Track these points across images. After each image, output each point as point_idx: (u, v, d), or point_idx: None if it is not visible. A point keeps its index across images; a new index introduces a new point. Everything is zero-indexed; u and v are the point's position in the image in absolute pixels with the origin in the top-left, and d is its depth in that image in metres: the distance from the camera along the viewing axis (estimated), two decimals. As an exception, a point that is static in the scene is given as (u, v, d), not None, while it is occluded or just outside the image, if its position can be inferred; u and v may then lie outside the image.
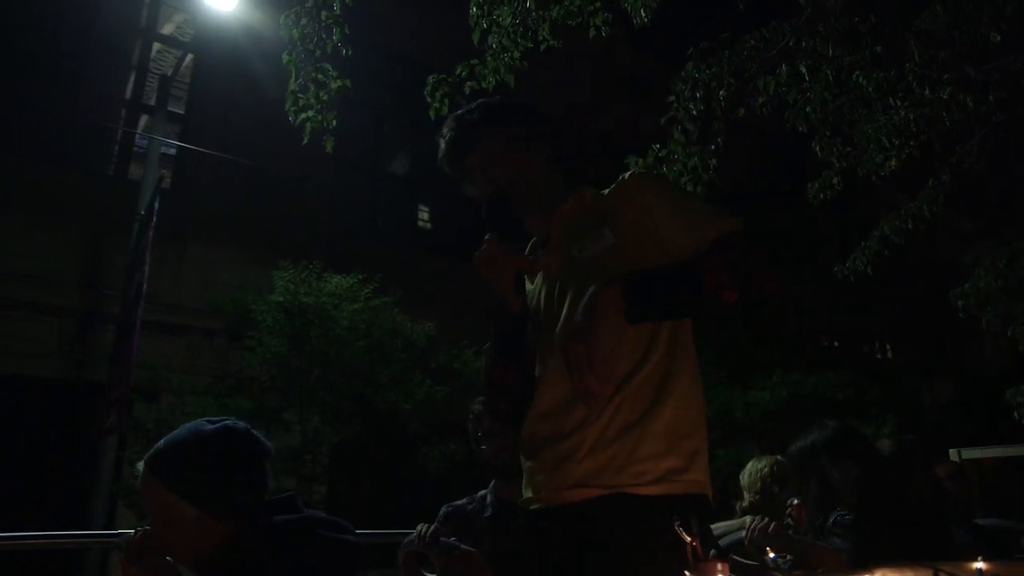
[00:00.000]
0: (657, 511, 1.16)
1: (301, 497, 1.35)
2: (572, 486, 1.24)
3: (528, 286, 1.46)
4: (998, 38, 3.46)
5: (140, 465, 1.26)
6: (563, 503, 1.26)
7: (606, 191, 1.41)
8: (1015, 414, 5.66)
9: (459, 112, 1.49)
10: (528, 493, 1.35)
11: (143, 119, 7.49)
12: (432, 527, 1.93)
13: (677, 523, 0.89)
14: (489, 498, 2.21)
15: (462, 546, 1.83)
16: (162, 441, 1.26)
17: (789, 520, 2.29)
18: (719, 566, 0.82)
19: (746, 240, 1.22)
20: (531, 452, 1.36)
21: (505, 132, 1.43)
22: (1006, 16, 3.41)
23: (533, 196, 1.41)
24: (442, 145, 1.48)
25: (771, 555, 1.02)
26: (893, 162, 4.09)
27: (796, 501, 2.20)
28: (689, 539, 0.87)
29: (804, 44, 3.65)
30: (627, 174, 1.40)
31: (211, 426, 1.26)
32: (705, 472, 1.27)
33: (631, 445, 1.22)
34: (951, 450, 4.86)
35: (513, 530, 2.07)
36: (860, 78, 3.72)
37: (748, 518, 1.99)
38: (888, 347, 13.11)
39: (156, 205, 5.41)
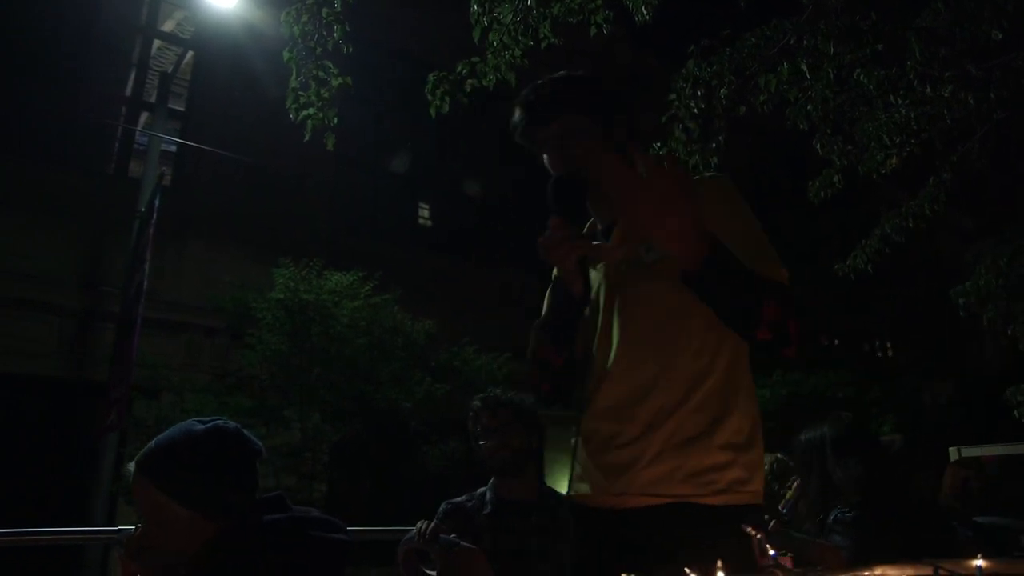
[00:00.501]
0: (721, 521, 1.18)
1: (299, 494, 1.35)
2: (636, 493, 1.25)
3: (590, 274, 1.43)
4: (999, 36, 3.45)
5: (131, 465, 1.25)
6: (624, 508, 1.26)
7: None
8: (1015, 413, 5.65)
9: (541, 81, 1.40)
10: (584, 489, 1.36)
11: (143, 116, 7.48)
12: (432, 524, 1.93)
13: (746, 526, 0.90)
14: (489, 495, 2.21)
15: (462, 543, 1.83)
16: (153, 441, 1.26)
17: (786, 491, 2.29)
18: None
19: (788, 295, 1.18)
20: (591, 450, 1.35)
21: (585, 113, 1.36)
22: (1007, 14, 3.40)
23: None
24: (517, 112, 1.39)
25: (771, 552, 1.02)
26: (894, 160, 4.08)
27: (797, 481, 2.20)
28: (758, 535, 0.88)
29: (805, 42, 3.64)
30: (706, 177, 1.37)
31: (202, 426, 1.26)
32: (762, 483, 1.29)
33: (698, 456, 1.23)
34: (951, 448, 4.86)
35: (527, 524, 2.07)
36: (861, 76, 3.72)
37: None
38: (888, 346, 13.10)
39: (156, 203, 5.41)
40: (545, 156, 1.37)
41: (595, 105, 1.37)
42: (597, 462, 1.32)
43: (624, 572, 1.15)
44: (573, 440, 1.44)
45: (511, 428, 2.18)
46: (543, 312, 1.44)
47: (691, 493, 1.22)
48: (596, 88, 1.41)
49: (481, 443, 2.22)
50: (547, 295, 1.46)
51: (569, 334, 1.35)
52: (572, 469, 1.43)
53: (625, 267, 1.33)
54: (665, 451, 1.24)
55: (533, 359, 1.39)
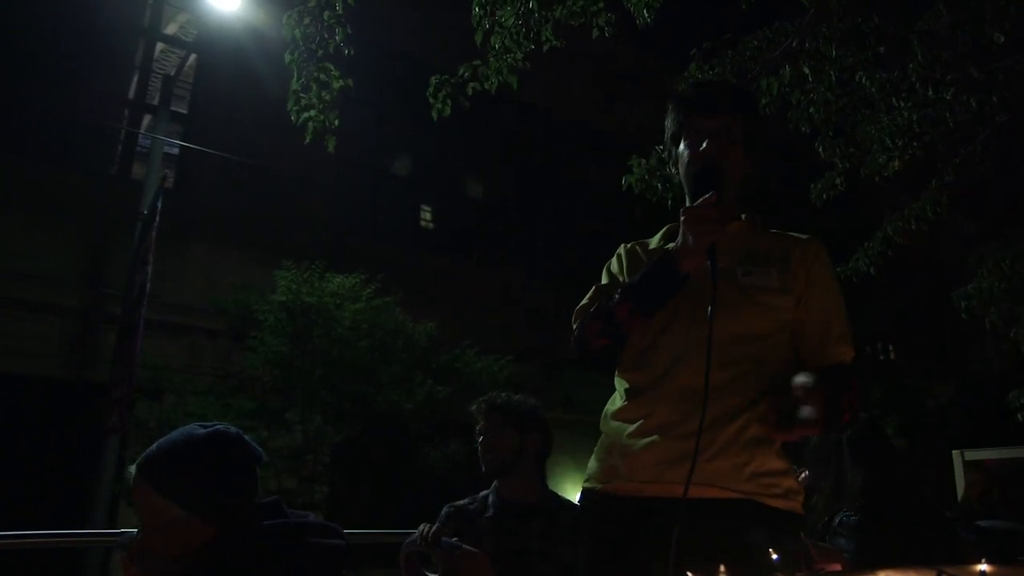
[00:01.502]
0: (783, 523, 1.27)
1: (301, 497, 1.35)
2: (698, 483, 1.24)
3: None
4: (1002, 38, 3.45)
5: (132, 468, 1.25)
6: (678, 498, 1.25)
7: (780, 233, 1.48)
8: (1018, 416, 5.64)
9: (717, 80, 1.54)
10: (617, 476, 1.36)
11: (146, 119, 7.49)
12: (434, 527, 1.93)
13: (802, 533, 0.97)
14: (491, 498, 2.21)
15: (464, 546, 1.83)
16: (154, 445, 1.26)
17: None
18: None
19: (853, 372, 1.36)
20: (636, 432, 1.36)
21: (751, 125, 1.46)
22: (1010, 16, 3.39)
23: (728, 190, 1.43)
24: (694, 92, 1.50)
25: (774, 556, 1.02)
26: (896, 163, 4.08)
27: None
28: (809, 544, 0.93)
29: (807, 44, 3.64)
30: (808, 238, 1.46)
31: (203, 430, 1.26)
32: None
33: (761, 457, 1.29)
34: (954, 452, 4.84)
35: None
36: (863, 79, 3.72)
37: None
38: (890, 348, 13.07)
39: (159, 205, 5.42)
40: (688, 141, 1.44)
41: (749, 116, 1.49)
42: (646, 447, 1.33)
43: (680, 560, 1.16)
44: (609, 424, 1.44)
45: (501, 431, 2.20)
46: (632, 277, 1.42)
47: (756, 492, 1.28)
48: (753, 104, 1.62)
49: (476, 446, 2.24)
50: (621, 262, 1.51)
51: (658, 307, 1.35)
52: (598, 459, 1.44)
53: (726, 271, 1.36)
54: (728, 448, 1.28)
55: (604, 314, 1.37)
